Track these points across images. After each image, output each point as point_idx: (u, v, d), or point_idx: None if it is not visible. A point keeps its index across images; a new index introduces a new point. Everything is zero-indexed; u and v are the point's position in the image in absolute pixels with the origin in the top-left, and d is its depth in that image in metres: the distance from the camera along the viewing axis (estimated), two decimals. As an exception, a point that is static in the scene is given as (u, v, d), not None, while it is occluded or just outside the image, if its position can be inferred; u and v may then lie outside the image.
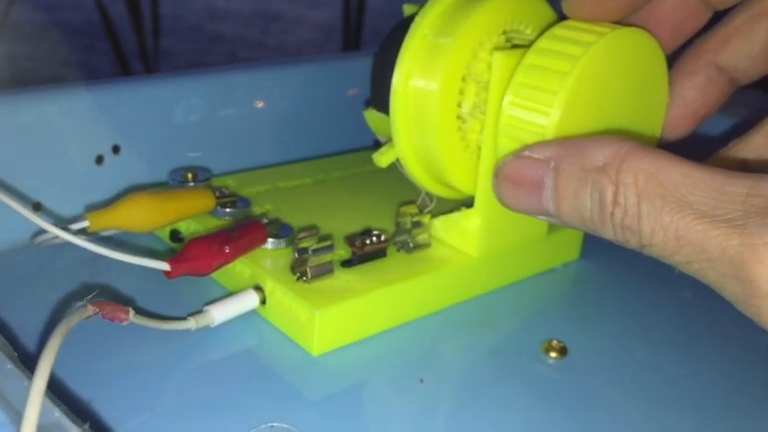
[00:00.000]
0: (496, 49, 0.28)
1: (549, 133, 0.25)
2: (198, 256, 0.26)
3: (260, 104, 0.38)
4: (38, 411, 0.15)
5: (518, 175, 0.24)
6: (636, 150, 0.21)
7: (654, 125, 0.28)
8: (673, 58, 0.29)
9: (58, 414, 0.16)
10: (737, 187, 0.19)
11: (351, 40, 1.50)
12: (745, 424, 0.25)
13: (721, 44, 0.27)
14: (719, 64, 0.28)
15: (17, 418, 0.17)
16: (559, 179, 0.22)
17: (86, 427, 0.16)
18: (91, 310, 0.20)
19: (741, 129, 0.27)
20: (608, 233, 0.22)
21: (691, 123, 0.29)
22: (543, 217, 0.24)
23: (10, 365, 0.17)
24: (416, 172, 0.30)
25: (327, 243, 0.27)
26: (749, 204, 0.19)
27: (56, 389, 0.18)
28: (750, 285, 0.18)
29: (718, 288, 0.20)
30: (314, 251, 0.27)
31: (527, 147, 0.24)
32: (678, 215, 0.19)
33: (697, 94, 0.28)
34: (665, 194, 0.20)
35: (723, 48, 0.28)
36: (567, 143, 0.23)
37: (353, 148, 0.42)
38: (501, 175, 0.24)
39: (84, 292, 0.28)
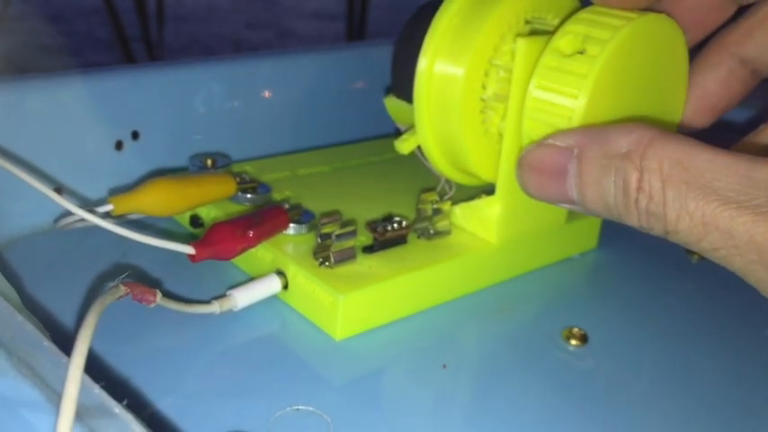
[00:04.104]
0: (519, 35, 0.28)
1: (577, 116, 0.25)
2: (222, 240, 0.26)
3: (267, 95, 0.38)
4: (78, 387, 0.15)
5: (541, 164, 0.24)
6: (660, 137, 0.21)
7: (675, 109, 0.28)
8: (694, 52, 0.29)
9: (97, 390, 0.16)
10: (763, 173, 0.19)
11: (354, 33, 1.50)
12: (759, 413, 0.25)
13: (745, 36, 0.27)
14: (743, 56, 0.28)
15: (54, 396, 0.17)
16: (583, 166, 0.22)
17: (124, 404, 0.16)
18: (123, 290, 0.20)
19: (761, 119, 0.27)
20: (632, 220, 0.22)
21: (711, 115, 0.29)
22: (567, 205, 0.24)
23: (47, 343, 0.17)
24: (437, 159, 0.30)
25: (350, 229, 0.27)
26: None
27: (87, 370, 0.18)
28: None
29: (743, 275, 0.20)
30: (337, 236, 0.27)
31: (550, 135, 0.24)
32: (703, 201, 0.19)
33: (719, 87, 0.28)
34: (690, 180, 0.20)
35: (747, 40, 0.27)
36: (590, 131, 0.23)
37: (369, 136, 0.42)
38: (524, 163, 0.24)
39: (108, 275, 0.28)
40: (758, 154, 0.20)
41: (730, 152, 0.20)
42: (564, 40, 0.26)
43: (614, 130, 0.22)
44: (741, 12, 0.28)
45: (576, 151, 0.23)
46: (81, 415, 0.16)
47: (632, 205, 0.21)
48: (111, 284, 0.20)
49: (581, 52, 0.25)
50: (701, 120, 0.29)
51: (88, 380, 0.16)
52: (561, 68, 0.25)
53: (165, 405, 0.22)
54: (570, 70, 0.25)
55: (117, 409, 0.15)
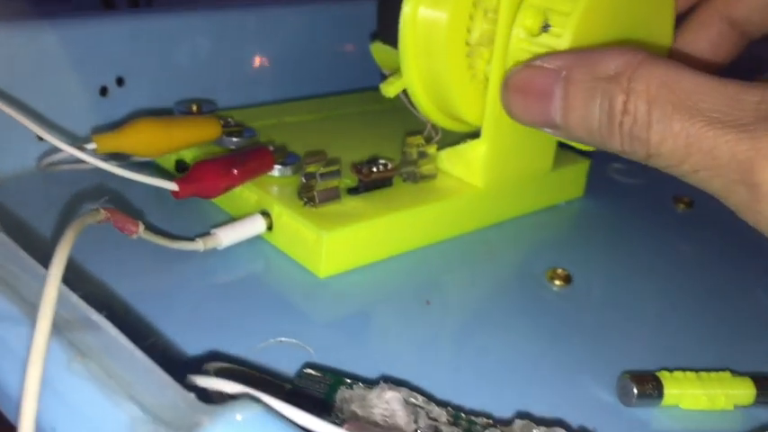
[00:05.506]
0: (506, -24, 0.27)
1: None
2: (205, 177, 0.26)
3: (258, 61, 0.38)
4: (55, 294, 0.15)
5: (528, 85, 0.23)
6: (649, 60, 0.21)
7: (663, 39, 0.28)
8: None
9: (75, 300, 0.16)
10: (750, 95, 0.19)
11: None
12: (740, 347, 0.25)
13: None
14: (732, 17, 0.28)
15: (31, 311, 0.17)
16: (570, 89, 0.22)
17: (104, 314, 0.16)
18: (103, 214, 0.20)
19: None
20: (615, 144, 0.21)
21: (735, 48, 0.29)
22: (549, 129, 0.23)
23: (23, 254, 0.17)
24: (423, 103, 0.30)
25: (335, 168, 0.27)
26: (761, 111, 0.19)
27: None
28: (757, 190, 0.18)
29: (723, 196, 0.20)
30: (321, 176, 0.27)
31: (538, 57, 0.24)
32: (689, 122, 0.19)
33: (708, 47, 0.28)
34: (677, 101, 0.20)
35: (736, 1, 0.27)
36: (580, 53, 0.22)
37: (357, 88, 0.41)
38: (510, 84, 0.24)
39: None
40: None
41: (718, 77, 0.20)
42: (528, 18, 0.26)
43: (604, 53, 0.22)
44: None
45: (564, 73, 0.22)
46: (59, 327, 0.16)
47: (616, 128, 0.21)
48: (92, 208, 0.20)
49: (546, 27, 0.25)
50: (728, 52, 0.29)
51: (66, 290, 0.16)
52: (531, 49, 0.26)
53: (150, 342, 0.22)
54: (544, 44, 0.26)
55: (95, 316, 0.15)
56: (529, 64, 0.24)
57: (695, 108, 0.19)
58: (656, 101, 0.20)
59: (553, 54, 0.23)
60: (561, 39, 0.25)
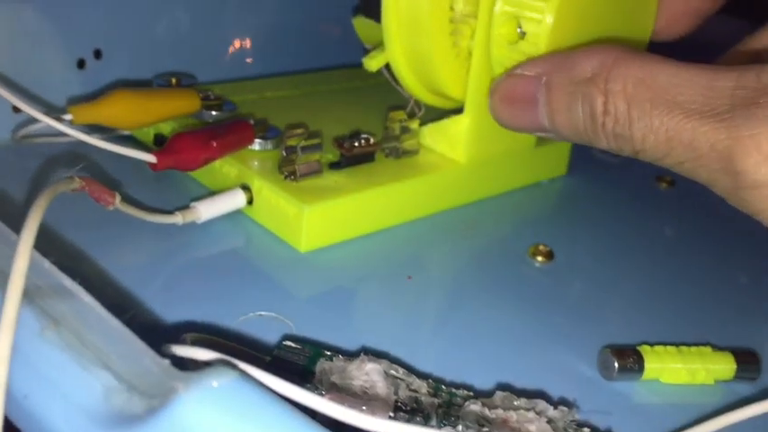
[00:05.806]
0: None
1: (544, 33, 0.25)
2: (184, 149, 0.26)
3: (239, 44, 0.37)
4: (27, 260, 0.14)
5: (512, 94, 0.24)
6: (623, 57, 0.21)
7: (645, 24, 0.28)
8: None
9: (47, 265, 0.15)
10: (724, 81, 0.19)
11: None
12: (721, 322, 0.25)
13: None
14: None
15: (4, 278, 0.17)
16: (551, 94, 0.22)
17: (77, 281, 0.15)
18: (78, 182, 0.19)
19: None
20: (602, 143, 0.22)
21: (693, 20, 0.28)
22: (541, 133, 0.24)
23: (-3, 223, 0.16)
24: (406, 77, 0.29)
25: (316, 141, 0.27)
26: (736, 97, 0.19)
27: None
28: (738, 177, 0.19)
29: (709, 185, 0.20)
30: (302, 149, 0.26)
31: (518, 65, 0.24)
32: (667, 116, 0.19)
33: None
34: (654, 98, 0.20)
35: None
36: (557, 57, 0.23)
37: (339, 65, 0.41)
38: (495, 94, 0.25)
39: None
40: (745, 62, 0.20)
41: (694, 65, 0.20)
42: (503, 27, 0.26)
43: (579, 55, 0.22)
44: None
45: (544, 79, 0.23)
46: (32, 295, 0.16)
47: (599, 129, 0.21)
48: (66, 175, 0.19)
49: (522, 33, 0.25)
50: (685, 24, 0.29)
51: (38, 256, 0.16)
52: (512, 56, 0.26)
53: (129, 317, 0.22)
54: (523, 51, 0.26)
55: (68, 282, 0.15)
56: (510, 73, 0.24)
57: (673, 102, 0.19)
58: (633, 99, 0.20)
59: (532, 60, 0.24)
60: (538, 46, 0.25)
